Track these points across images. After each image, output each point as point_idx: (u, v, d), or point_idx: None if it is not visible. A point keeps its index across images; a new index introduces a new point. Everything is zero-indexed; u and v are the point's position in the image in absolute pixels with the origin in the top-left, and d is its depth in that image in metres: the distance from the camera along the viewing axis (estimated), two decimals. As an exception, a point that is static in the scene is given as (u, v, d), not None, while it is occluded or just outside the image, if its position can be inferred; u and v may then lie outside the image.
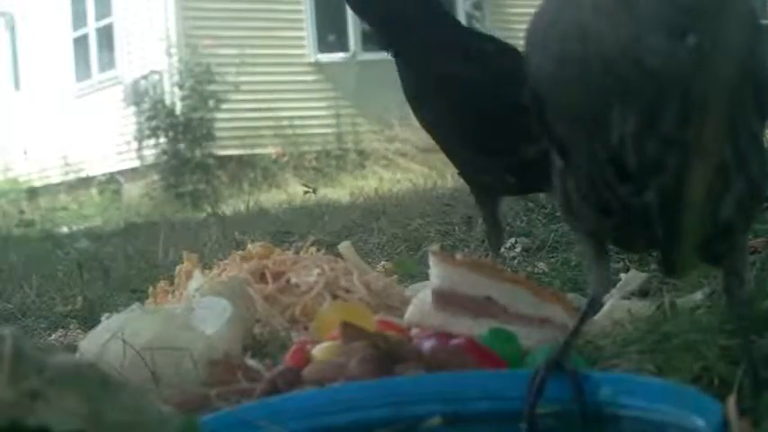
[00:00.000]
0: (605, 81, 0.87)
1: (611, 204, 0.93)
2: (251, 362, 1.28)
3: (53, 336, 1.95)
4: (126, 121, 10.03)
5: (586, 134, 0.91)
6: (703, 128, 0.88)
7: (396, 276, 1.81)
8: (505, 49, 1.66)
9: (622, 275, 1.58)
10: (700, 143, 0.88)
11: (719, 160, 0.90)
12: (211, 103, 9.35)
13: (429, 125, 1.71)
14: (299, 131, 9.67)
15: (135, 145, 9.87)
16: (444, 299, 1.28)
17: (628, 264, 1.73)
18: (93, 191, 10.39)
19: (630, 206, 0.92)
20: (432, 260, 1.32)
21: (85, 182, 10.67)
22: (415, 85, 1.67)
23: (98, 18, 11.00)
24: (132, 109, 9.90)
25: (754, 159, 0.93)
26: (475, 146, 1.65)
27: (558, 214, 2.31)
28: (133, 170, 10.03)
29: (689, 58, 0.86)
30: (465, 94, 1.61)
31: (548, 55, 0.92)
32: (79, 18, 11.26)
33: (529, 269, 1.90)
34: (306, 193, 4.73)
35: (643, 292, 1.51)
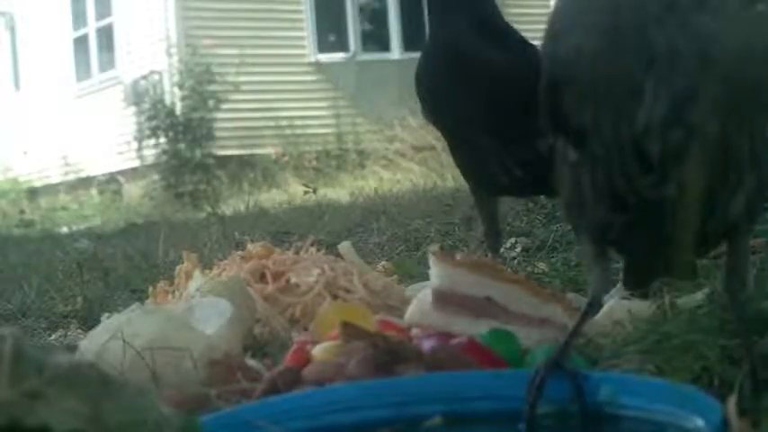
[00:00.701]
0: (642, 55, 0.86)
1: (625, 198, 0.93)
2: (251, 362, 1.28)
3: (53, 336, 1.95)
4: (126, 121, 10.03)
5: (612, 119, 0.90)
6: (730, 119, 0.88)
7: (396, 276, 1.81)
8: (530, 43, 1.67)
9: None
10: (723, 135, 0.88)
11: (739, 156, 0.90)
12: (211, 103, 9.35)
13: (445, 109, 1.70)
14: (298, 131, 9.66)
15: (135, 145, 9.87)
16: (444, 299, 1.28)
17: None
18: (93, 191, 10.39)
19: (645, 200, 0.92)
20: (432, 260, 1.32)
21: (85, 182, 10.67)
22: (443, 63, 1.67)
23: (98, 18, 11.00)
24: (132, 109, 9.90)
25: (764, 159, 0.93)
26: (494, 131, 1.64)
27: (558, 214, 2.31)
28: (133, 170, 10.03)
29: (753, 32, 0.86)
30: (497, 75, 1.61)
31: (581, 32, 0.90)
32: (79, 18, 11.27)
33: (529, 269, 1.90)
34: (306, 193, 4.74)
35: (643, 293, 1.50)
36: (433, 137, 8.20)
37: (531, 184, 1.68)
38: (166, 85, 9.60)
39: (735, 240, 0.97)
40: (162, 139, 9.42)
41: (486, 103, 1.62)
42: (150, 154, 9.68)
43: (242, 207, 5.15)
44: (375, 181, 6.79)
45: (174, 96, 9.49)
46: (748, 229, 0.97)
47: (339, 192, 6.02)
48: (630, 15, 0.87)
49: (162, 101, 9.52)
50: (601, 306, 1.16)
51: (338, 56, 10.43)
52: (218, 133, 9.43)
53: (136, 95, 9.86)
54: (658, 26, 0.86)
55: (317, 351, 1.18)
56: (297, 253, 1.80)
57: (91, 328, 1.62)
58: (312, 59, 10.30)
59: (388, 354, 1.10)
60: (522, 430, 0.95)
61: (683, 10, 0.86)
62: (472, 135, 1.68)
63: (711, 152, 0.88)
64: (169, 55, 9.50)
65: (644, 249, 1.01)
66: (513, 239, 2.23)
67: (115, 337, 1.31)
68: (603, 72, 0.89)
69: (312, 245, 1.87)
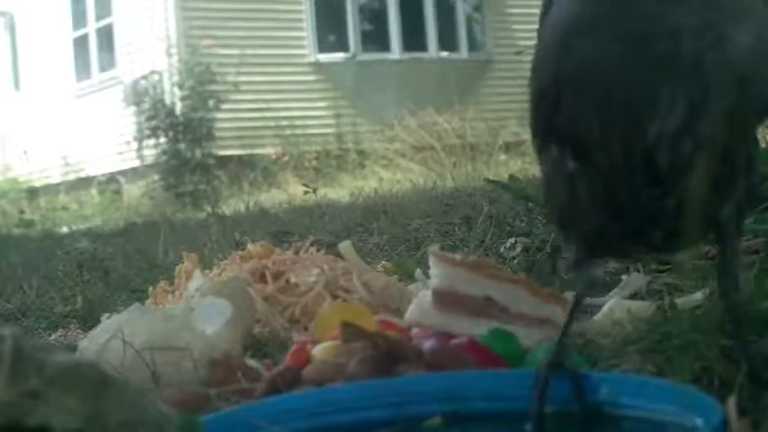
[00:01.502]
0: (666, 67, 0.86)
1: (624, 206, 0.92)
2: (251, 362, 1.28)
3: (53, 336, 1.95)
4: (126, 121, 10.03)
5: (622, 130, 0.89)
6: (734, 128, 0.88)
7: (396, 276, 1.81)
8: None
9: (623, 277, 1.58)
10: (726, 144, 0.88)
11: (739, 162, 0.90)
12: (211, 103, 9.35)
13: None
14: (298, 131, 9.67)
15: (135, 145, 9.87)
16: (444, 299, 1.28)
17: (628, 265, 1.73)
18: (93, 191, 10.39)
19: (646, 208, 0.91)
20: (432, 260, 1.32)
21: (85, 182, 10.67)
22: None
23: (98, 18, 11.00)
24: (132, 109, 9.90)
25: (756, 162, 0.93)
26: None
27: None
28: (133, 170, 10.03)
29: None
30: None
31: (597, 40, 0.88)
32: (79, 18, 11.27)
33: (529, 269, 1.90)
34: (306, 193, 4.74)
35: (642, 296, 1.50)
36: (432, 137, 8.21)
37: None
38: (166, 85, 9.60)
39: (725, 242, 0.97)
40: (162, 139, 9.42)
41: None
42: (150, 154, 9.67)
43: (242, 207, 5.15)
44: (375, 181, 6.80)
45: (174, 96, 9.50)
46: (738, 230, 0.97)
47: (339, 192, 6.03)
48: (656, 27, 0.86)
49: (162, 101, 9.52)
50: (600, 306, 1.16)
51: (338, 56, 10.43)
52: (218, 133, 9.43)
53: (136, 95, 9.86)
54: (687, 38, 0.85)
55: (317, 351, 1.18)
56: (297, 253, 1.80)
57: (91, 328, 1.62)
58: (312, 59, 10.30)
59: (388, 354, 1.11)
60: (528, 430, 0.95)
61: (713, 23, 0.85)
62: None
63: (718, 162, 0.88)
64: (169, 55, 9.51)
65: (629, 250, 1.00)
66: (512, 239, 2.23)
67: (115, 337, 1.32)
68: (621, 82, 0.87)
69: (312, 245, 1.87)
